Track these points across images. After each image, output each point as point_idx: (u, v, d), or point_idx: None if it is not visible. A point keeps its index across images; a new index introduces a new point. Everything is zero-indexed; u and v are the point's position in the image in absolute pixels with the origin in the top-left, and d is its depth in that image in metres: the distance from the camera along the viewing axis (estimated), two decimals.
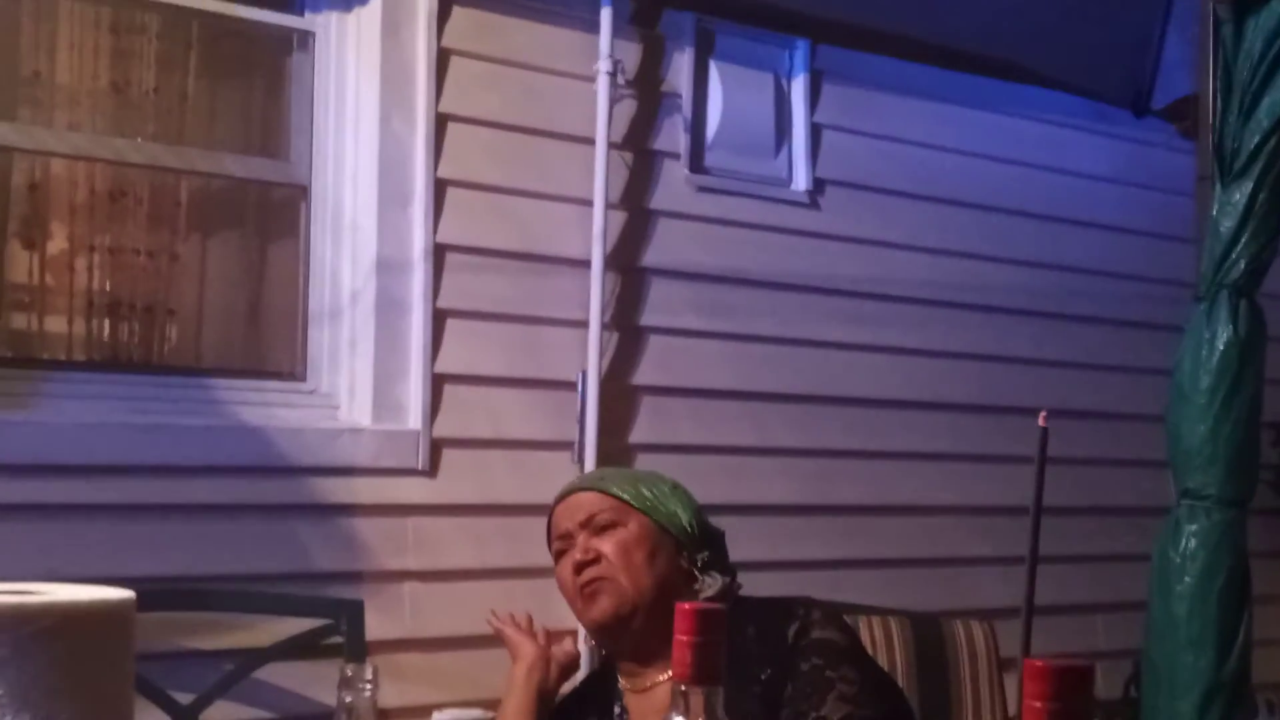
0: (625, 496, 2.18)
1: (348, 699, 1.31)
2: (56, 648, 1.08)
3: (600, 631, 2.16)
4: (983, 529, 3.48)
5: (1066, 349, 3.77)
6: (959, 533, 3.52)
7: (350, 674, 1.31)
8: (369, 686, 1.31)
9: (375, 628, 2.60)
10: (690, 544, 2.19)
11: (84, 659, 1.09)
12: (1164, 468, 3.00)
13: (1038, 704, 0.91)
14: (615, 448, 3.01)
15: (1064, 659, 0.92)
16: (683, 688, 1.17)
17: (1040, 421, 1.37)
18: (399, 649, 2.68)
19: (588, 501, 2.19)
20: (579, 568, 2.15)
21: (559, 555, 2.21)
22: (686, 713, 1.17)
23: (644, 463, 2.98)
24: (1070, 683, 0.91)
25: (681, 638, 1.17)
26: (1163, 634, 2.87)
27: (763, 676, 1.99)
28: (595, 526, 2.16)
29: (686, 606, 1.18)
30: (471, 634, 2.76)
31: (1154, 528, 2.98)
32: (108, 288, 2.72)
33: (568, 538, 2.19)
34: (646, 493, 2.19)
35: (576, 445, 2.97)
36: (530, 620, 2.37)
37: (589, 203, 3.02)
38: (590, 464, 2.94)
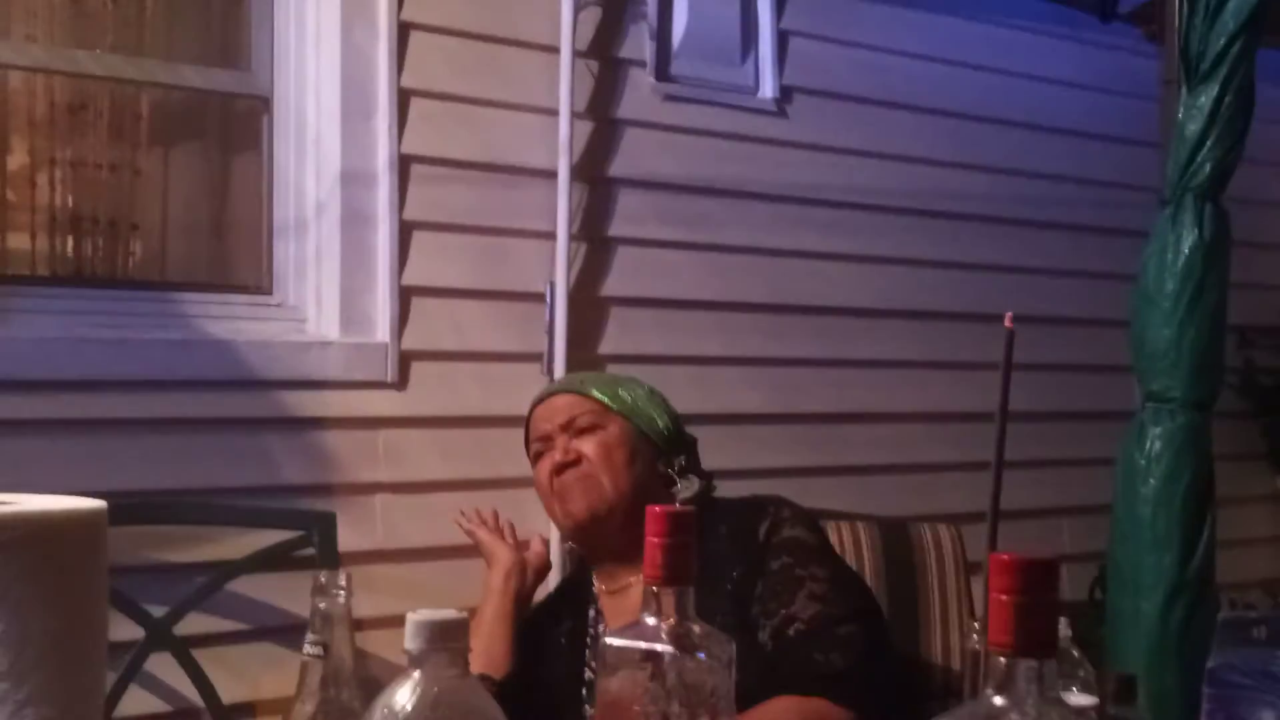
0: (605, 399, 2.20)
1: (321, 605, 1.31)
2: (27, 558, 1.08)
3: (577, 532, 2.18)
4: (950, 435, 3.51)
5: (1032, 255, 3.78)
6: (927, 439, 3.55)
7: (324, 580, 1.31)
8: (343, 593, 1.32)
9: (347, 540, 2.62)
10: (668, 448, 2.21)
11: (56, 569, 1.10)
12: (1129, 372, 3.03)
13: (1004, 597, 0.92)
14: (584, 359, 3.01)
15: (1029, 553, 0.93)
16: (654, 589, 1.18)
17: (1006, 323, 1.37)
18: (371, 560, 2.69)
19: (568, 404, 2.21)
20: (559, 469, 2.16)
21: (537, 456, 2.22)
22: (658, 613, 1.18)
23: (612, 372, 2.98)
24: (1036, 576, 0.93)
25: (652, 539, 1.18)
26: (1128, 536, 2.91)
27: (734, 575, 2.01)
28: (575, 429, 2.18)
29: (657, 509, 1.19)
30: (443, 544, 2.78)
31: (1118, 432, 3.01)
32: (70, 203, 2.69)
33: (547, 439, 2.20)
34: (626, 396, 2.21)
35: (545, 357, 2.97)
36: (497, 518, 2.41)
37: (555, 112, 2.99)
38: (560, 376, 2.94)
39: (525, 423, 2.27)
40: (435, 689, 0.90)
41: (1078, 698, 1.39)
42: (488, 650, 2.20)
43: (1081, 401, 3.76)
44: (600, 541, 2.17)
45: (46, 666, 1.07)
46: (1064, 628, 1.40)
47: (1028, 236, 3.80)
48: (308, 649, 1.32)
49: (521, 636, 2.24)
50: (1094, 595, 3.56)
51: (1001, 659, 0.94)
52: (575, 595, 2.25)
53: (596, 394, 2.20)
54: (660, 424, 2.22)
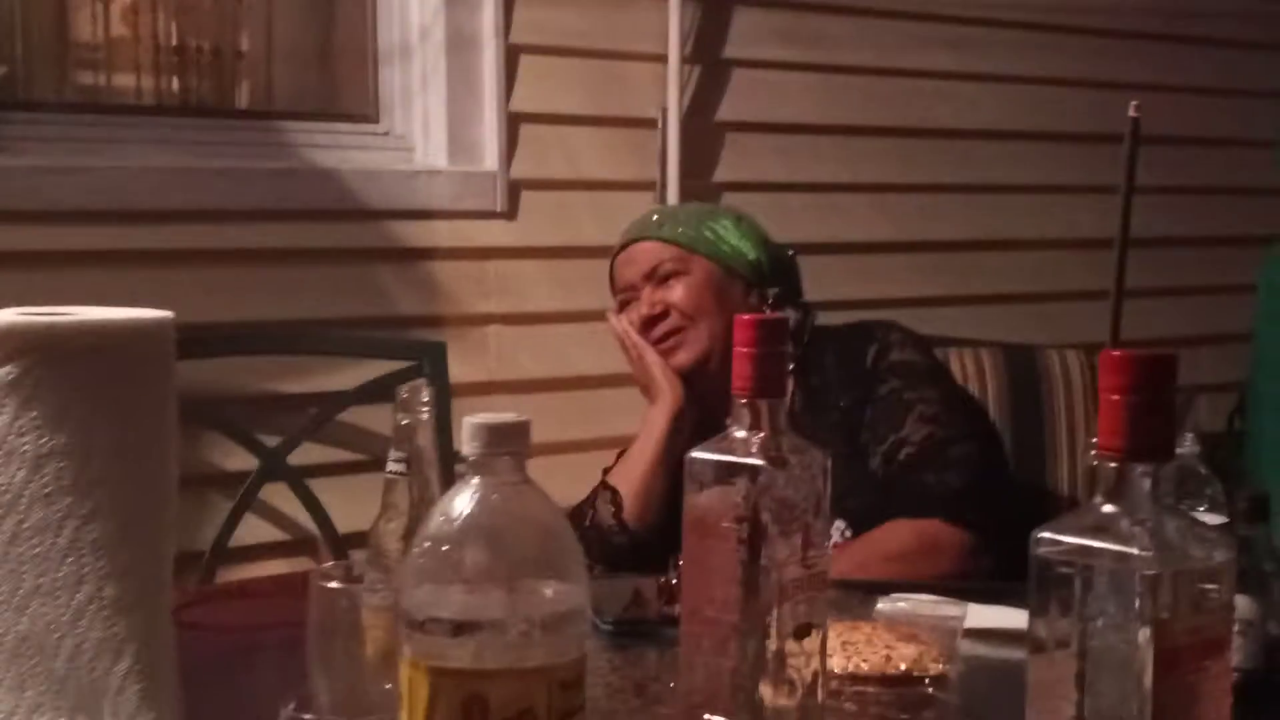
0: (687, 241, 2.11)
1: (404, 421, 1.27)
2: (89, 369, 1.04)
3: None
4: (1083, 261, 3.36)
5: (1172, 72, 3.57)
6: (1059, 266, 3.41)
7: (406, 395, 1.27)
8: (426, 408, 1.27)
9: (459, 371, 2.58)
10: (759, 279, 2.12)
11: (120, 381, 1.06)
12: (1272, 195, 2.86)
13: (1115, 397, 0.84)
14: (698, 187, 2.93)
15: (1143, 349, 0.85)
16: (743, 400, 1.11)
17: (1131, 112, 1.27)
18: (484, 391, 2.67)
19: (649, 251, 2.12)
20: (647, 323, 2.09)
21: (623, 306, 2.15)
22: (748, 426, 1.12)
23: (729, 201, 2.89)
24: (1150, 373, 0.84)
25: (740, 349, 1.11)
26: (1269, 361, 2.78)
27: (842, 403, 1.95)
28: (659, 276, 2.10)
29: (745, 317, 1.12)
30: (555, 376, 2.75)
31: (1257, 259, 2.86)
32: (175, 33, 2.65)
33: (631, 289, 2.13)
34: (708, 233, 2.12)
35: (658, 185, 2.89)
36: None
37: None
38: (671, 203, 2.86)
39: (609, 268, 2.20)
40: (494, 495, 0.84)
41: (1205, 517, 1.30)
42: (642, 496, 2.02)
43: (1219, 226, 3.58)
44: (705, 391, 2.09)
45: (110, 481, 1.04)
46: (1190, 443, 1.31)
47: (1166, 52, 3.58)
48: (391, 465, 1.28)
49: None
50: (1233, 425, 3.43)
51: (1112, 464, 0.86)
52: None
53: (677, 236, 2.11)
54: (750, 256, 2.12)
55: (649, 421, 2.08)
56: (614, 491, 2.03)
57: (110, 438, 1.04)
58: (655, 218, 2.19)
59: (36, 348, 1.03)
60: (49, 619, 1.02)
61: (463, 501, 0.85)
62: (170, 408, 1.09)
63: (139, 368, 1.07)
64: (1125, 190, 1.21)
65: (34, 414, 1.02)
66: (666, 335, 2.08)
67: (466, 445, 0.85)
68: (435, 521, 0.85)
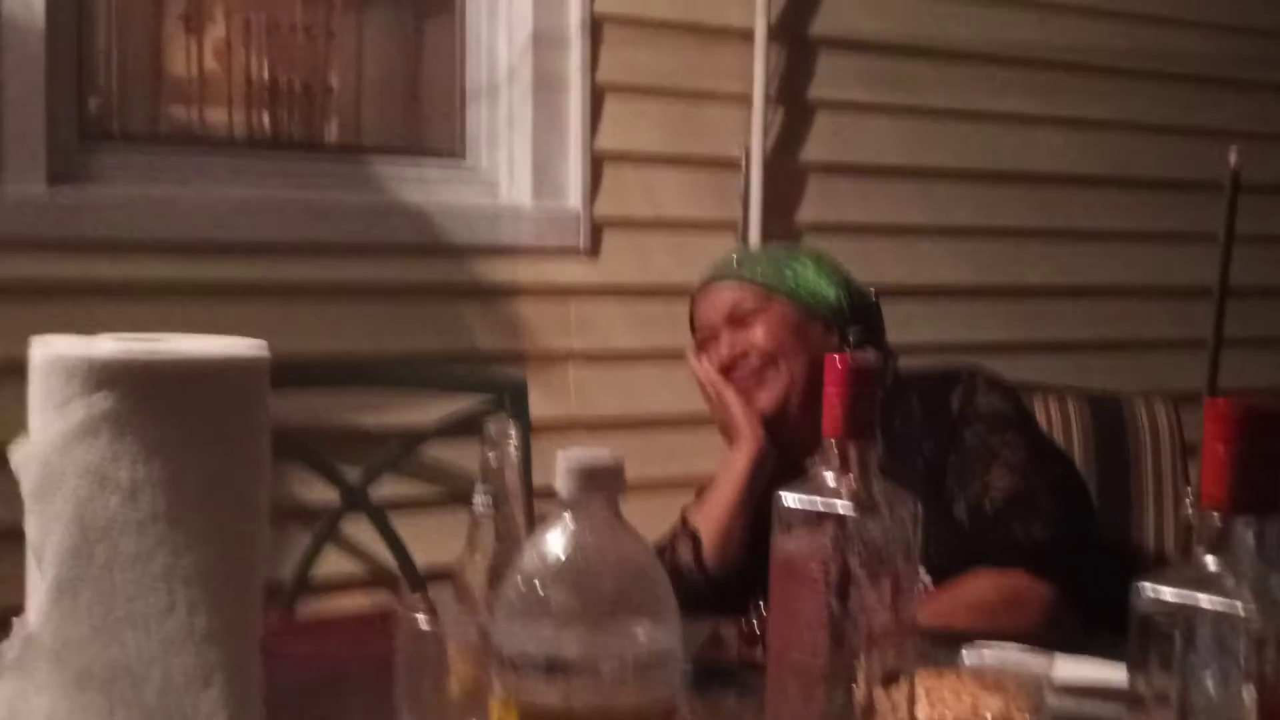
0: (766, 281, 2.09)
1: (491, 456, 1.27)
2: (185, 400, 1.05)
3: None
4: (1170, 310, 3.33)
5: (1261, 119, 3.53)
6: (1144, 314, 3.37)
7: (493, 432, 1.27)
8: (513, 445, 1.27)
9: (539, 408, 2.58)
10: (839, 320, 2.10)
11: (215, 412, 1.07)
12: None
13: (1220, 446, 0.83)
14: (781, 228, 2.92)
15: (1250, 398, 0.83)
16: (833, 443, 1.10)
17: (1231, 160, 1.25)
18: (563, 428, 2.67)
19: (729, 292, 2.11)
20: (728, 365, 2.08)
21: (703, 346, 2.14)
22: (838, 470, 1.11)
23: (811, 243, 2.89)
24: (1257, 424, 0.82)
25: (831, 390, 1.10)
26: None
27: (927, 449, 1.92)
28: (739, 317, 2.09)
29: (836, 357, 1.11)
30: (634, 414, 2.75)
31: None
32: (266, 68, 2.69)
33: (711, 330, 2.12)
34: (788, 273, 2.10)
35: (740, 226, 2.89)
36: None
37: None
38: (754, 245, 2.86)
39: (689, 310, 2.19)
40: (588, 534, 0.84)
41: None
42: (722, 539, 2.00)
43: None
44: (784, 434, 2.07)
45: (203, 512, 1.04)
46: None
47: (1256, 99, 3.55)
48: (478, 502, 1.28)
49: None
50: None
51: (1215, 516, 0.84)
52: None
53: (758, 277, 2.10)
54: (830, 296, 2.10)
55: (730, 464, 2.07)
56: (694, 533, 2.02)
57: (204, 468, 1.05)
58: (735, 258, 2.18)
59: (134, 377, 1.04)
60: (139, 647, 1.03)
61: (556, 539, 0.84)
62: (264, 439, 1.10)
63: (234, 399, 1.08)
64: (1225, 239, 1.19)
65: (130, 443, 1.03)
66: (749, 380, 2.06)
67: (561, 483, 0.84)
68: (529, 559, 0.85)
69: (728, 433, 2.11)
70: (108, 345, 1.07)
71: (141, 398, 1.04)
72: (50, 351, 1.05)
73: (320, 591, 2.43)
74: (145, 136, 2.57)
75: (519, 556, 0.86)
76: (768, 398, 2.05)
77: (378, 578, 2.54)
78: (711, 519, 2.03)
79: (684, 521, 2.07)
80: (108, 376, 1.04)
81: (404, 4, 2.83)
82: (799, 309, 2.09)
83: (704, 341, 2.14)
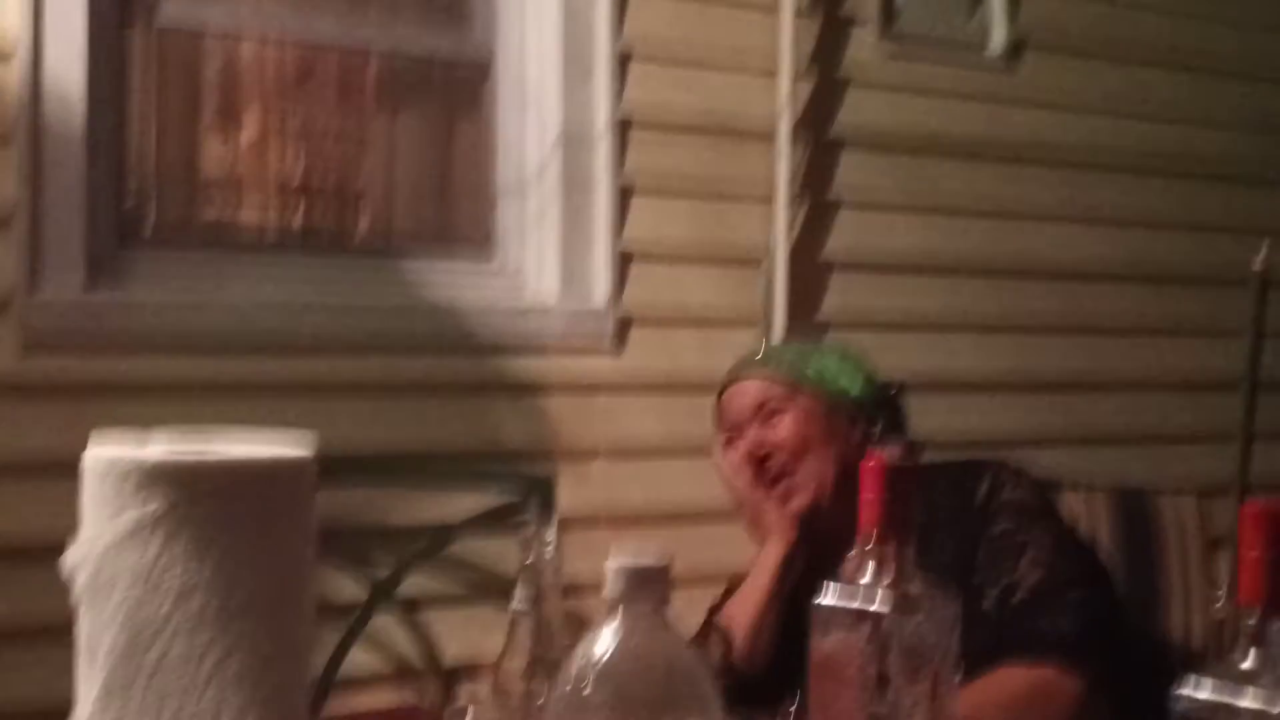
0: (791, 376, 2.12)
1: (529, 559, 1.29)
2: (233, 505, 1.08)
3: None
4: (1194, 403, 3.34)
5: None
6: (1168, 407, 3.39)
7: (531, 534, 1.29)
8: (550, 547, 1.29)
9: (566, 503, 2.60)
10: (865, 414, 2.12)
11: (263, 515, 1.09)
12: None
13: (1254, 552, 0.84)
14: (804, 323, 2.95)
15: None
16: (870, 545, 1.12)
17: (1256, 266, 1.27)
18: (590, 524, 2.68)
19: (754, 388, 2.13)
20: (756, 463, 2.09)
21: (729, 442, 2.16)
22: (876, 571, 1.12)
23: (834, 338, 2.92)
24: None
25: (868, 495, 1.12)
26: None
27: (952, 543, 1.93)
28: (765, 413, 2.11)
29: (872, 463, 1.13)
30: (662, 510, 2.76)
31: None
32: (298, 172, 2.74)
33: (737, 427, 2.14)
34: (812, 368, 2.12)
35: (764, 321, 2.92)
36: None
37: (775, 72, 2.94)
38: (778, 340, 2.88)
39: (715, 406, 2.21)
40: (636, 637, 0.86)
41: None
42: (753, 637, 2.00)
43: None
44: (814, 527, 2.08)
45: (252, 614, 1.06)
46: None
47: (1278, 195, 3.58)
48: (516, 603, 1.30)
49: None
50: None
51: (1251, 619, 0.86)
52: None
53: (782, 373, 2.13)
54: (854, 390, 2.12)
55: (761, 561, 2.07)
56: (725, 632, 2.03)
57: (255, 569, 1.07)
58: (759, 355, 2.21)
59: (185, 481, 1.07)
60: None
61: (605, 641, 0.86)
62: (310, 539, 1.12)
63: (283, 500, 1.11)
64: (1253, 335, 1.21)
65: (180, 547, 1.06)
66: (778, 478, 2.07)
67: (610, 585, 0.86)
68: (578, 660, 0.86)
69: (754, 529, 2.12)
70: (159, 449, 1.09)
71: (193, 501, 1.06)
72: (103, 455, 1.08)
73: (348, 688, 2.44)
74: (180, 239, 2.61)
75: (568, 659, 0.87)
76: (803, 500, 2.06)
77: (405, 674, 2.54)
78: (743, 615, 2.03)
79: (711, 619, 2.08)
80: (160, 480, 1.06)
81: (435, 103, 2.89)
82: (824, 403, 2.10)
83: (731, 438, 2.16)
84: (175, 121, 2.63)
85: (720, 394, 2.20)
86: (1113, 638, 1.89)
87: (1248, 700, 0.85)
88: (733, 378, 2.18)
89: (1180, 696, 0.88)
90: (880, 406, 2.14)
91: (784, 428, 2.08)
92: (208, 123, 2.67)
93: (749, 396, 2.13)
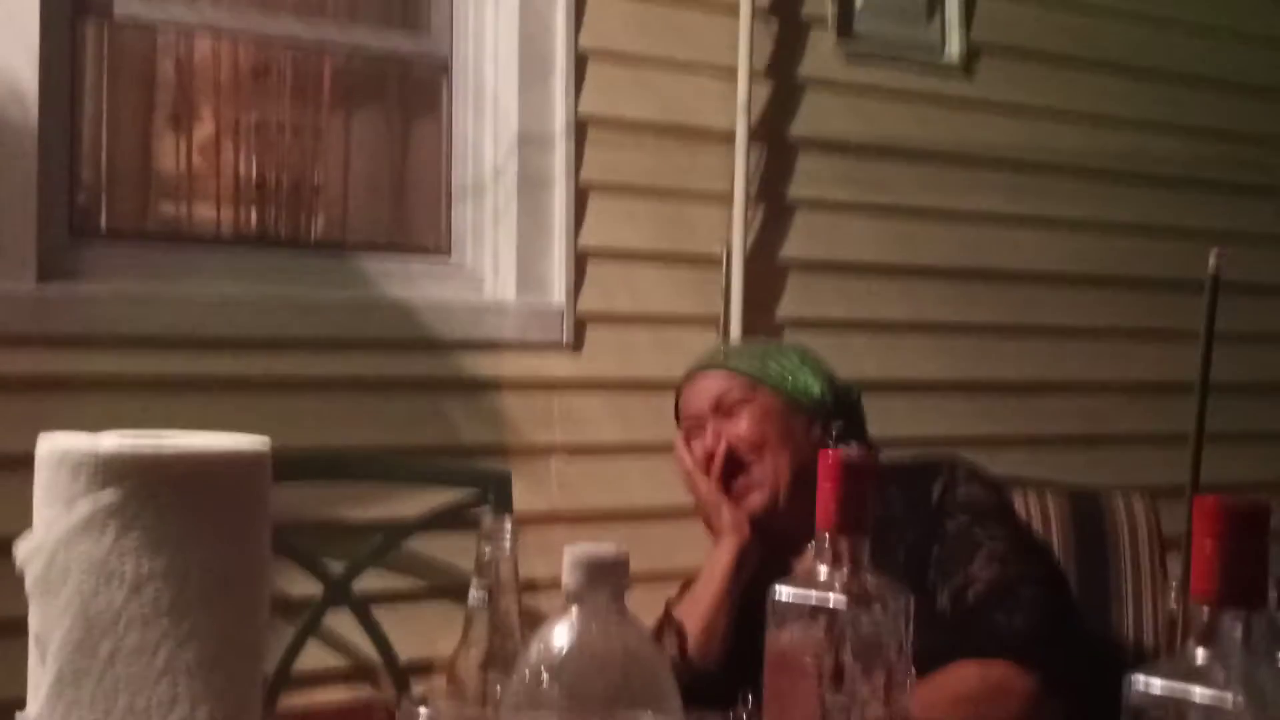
0: (752, 373, 2.13)
1: (486, 551, 1.29)
2: (189, 495, 1.07)
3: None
4: (1146, 406, 3.37)
5: (1234, 219, 3.60)
6: (1121, 410, 3.42)
7: (488, 526, 1.29)
8: (507, 539, 1.29)
9: (522, 501, 2.60)
10: (823, 414, 2.13)
11: (218, 507, 1.09)
12: None
13: (1208, 542, 0.85)
14: (761, 324, 2.96)
15: (1237, 496, 0.86)
16: (827, 538, 1.13)
17: (1211, 264, 1.29)
18: (546, 521, 2.68)
19: (715, 381, 2.14)
20: (712, 456, 2.10)
21: (689, 436, 2.17)
22: (831, 564, 1.13)
23: (791, 339, 2.93)
24: (1243, 520, 0.85)
25: (825, 485, 1.13)
26: None
27: (908, 540, 1.94)
28: (725, 407, 2.12)
29: (830, 454, 1.14)
30: (619, 508, 2.76)
31: None
32: (254, 167, 2.72)
33: (696, 419, 2.15)
34: (774, 367, 2.14)
35: (721, 321, 2.92)
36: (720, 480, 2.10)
37: (733, 73, 2.94)
38: (735, 340, 2.89)
39: (675, 399, 2.22)
40: (593, 627, 0.86)
41: None
42: (707, 633, 2.02)
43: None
44: (769, 525, 2.09)
45: (207, 604, 1.06)
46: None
47: (1230, 201, 3.62)
48: (473, 595, 1.30)
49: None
50: None
51: (1205, 610, 0.87)
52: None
53: (743, 368, 2.14)
54: (815, 390, 2.14)
55: (714, 559, 2.08)
56: (679, 627, 2.03)
57: (209, 561, 1.07)
58: (722, 350, 2.22)
59: (140, 473, 1.06)
60: None
61: (562, 632, 0.86)
62: (265, 533, 1.12)
63: (238, 494, 1.10)
64: (1205, 340, 1.23)
65: (135, 537, 1.05)
66: (735, 476, 2.08)
67: (567, 576, 0.86)
68: (535, 651, 0.86)
69: (710, 524, 2.13)
70: (113, 442, 1.09)
71: (147, 493, 1.06)
72: (56, 447, 1.07)
73: (303, 685, 2.43)
74: (134, 233, 2.59)
75: (526, 649, 0.87)
76: (759, 499, 2.07)
77: (359, 671, 2.53)
78: (697, 613, 2.04)
79: (668, 615, 2.08)
80: (114, 472, 1.06)
81: (391, 104, 2.88)
82: (784, 401, 2.11)
83: (689, 430, 2.17)
84: (130, 116, 2.62)
85: (681, 387, 2.21)
86: (1067, 635, 1.90)
87: (1199, 693, 0.86)
88: (694, 371, 2.19)
89: (1134, 689, 0.89)
90: (839, 408, 2.16)
91: (743, 423, 2.09)
92: (163, 118, 2.66)
93: (709, 391, 2.14)
